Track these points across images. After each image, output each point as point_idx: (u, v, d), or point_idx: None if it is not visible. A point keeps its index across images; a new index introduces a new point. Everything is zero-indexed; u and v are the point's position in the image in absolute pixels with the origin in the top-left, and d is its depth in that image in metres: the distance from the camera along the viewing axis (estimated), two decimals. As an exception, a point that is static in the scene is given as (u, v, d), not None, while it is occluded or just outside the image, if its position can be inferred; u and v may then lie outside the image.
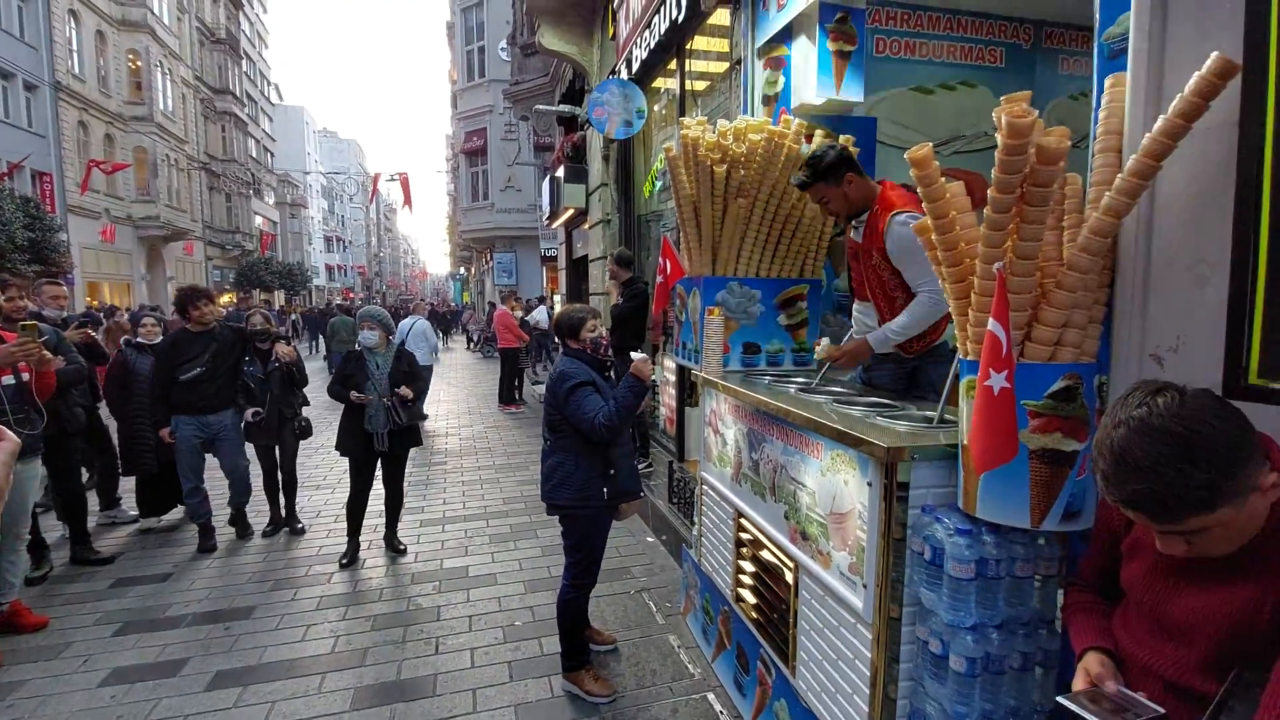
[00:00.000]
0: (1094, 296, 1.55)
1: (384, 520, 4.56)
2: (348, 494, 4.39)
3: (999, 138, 1.43)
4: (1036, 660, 1.62)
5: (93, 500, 4.90)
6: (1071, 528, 1.57)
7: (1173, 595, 1.16)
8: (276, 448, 4.78)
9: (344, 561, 4.26)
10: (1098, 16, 1.68)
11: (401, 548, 4.52)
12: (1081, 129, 1.84)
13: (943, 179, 1.66)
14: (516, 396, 10.83)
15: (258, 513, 4.95)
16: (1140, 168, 1.39)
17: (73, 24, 20.46)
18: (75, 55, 20.48)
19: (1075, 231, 1.57)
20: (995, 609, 1.59)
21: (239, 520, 4.79)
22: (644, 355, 2.75)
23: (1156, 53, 1.50)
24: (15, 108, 18.12)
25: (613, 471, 2.82)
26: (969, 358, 1.63)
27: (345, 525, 4.41)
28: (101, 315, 10.67)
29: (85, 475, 4.88)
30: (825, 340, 2.73)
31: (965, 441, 1.61)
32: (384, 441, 4.25)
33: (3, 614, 3.36)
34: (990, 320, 1.40)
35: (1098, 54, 1.69)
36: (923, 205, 1.70)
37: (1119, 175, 1.44)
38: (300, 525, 4.92)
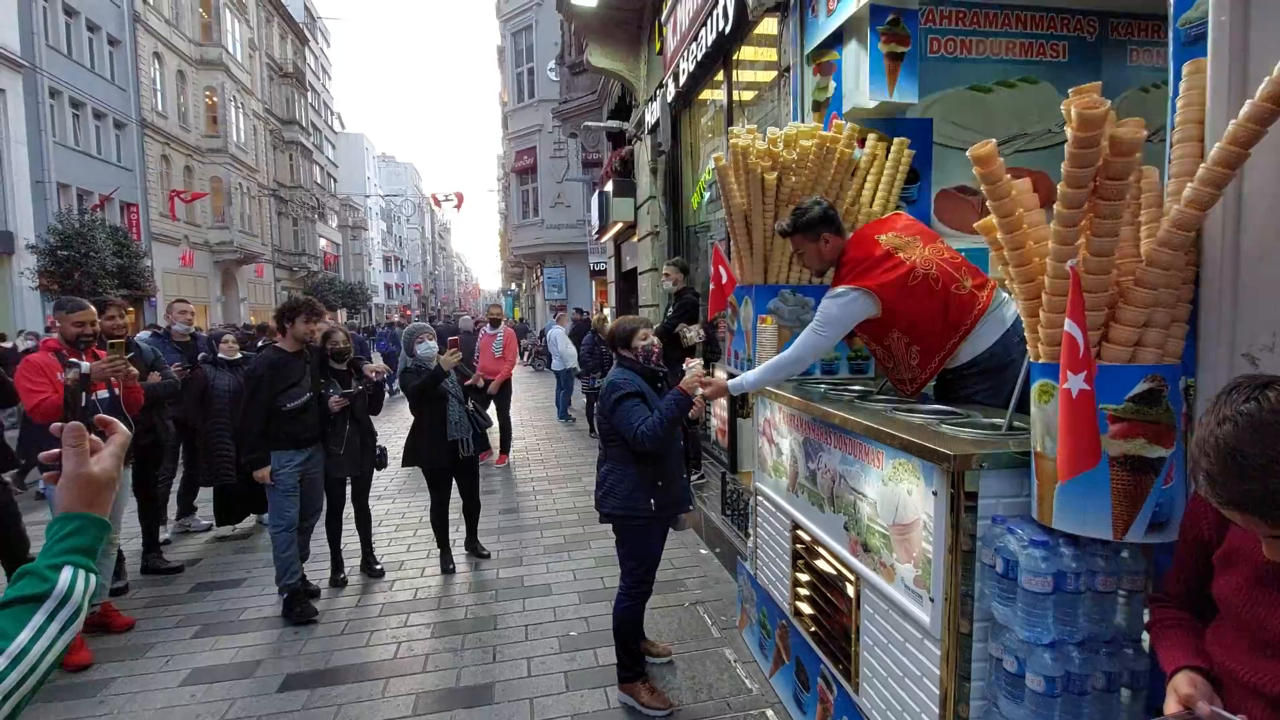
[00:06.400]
0: (1177, 294, 1.46)
1: (464, 528, 4.67)
2: (429, 506, 4.47)
3: (1069, 130, 1.38)
4: (1122, 681, 1.53)
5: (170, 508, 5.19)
6: (1158, 539, 1.47)
7: (1275, 608, 1.08)
8: (350, 480, 4.30)
9: (449, 568, 4.36)
10: (1172, 1, 1.60)
11: (486, 553, 4.64)
12: (1155, 121, 1.75)
13: (1007, 176, 1.60)
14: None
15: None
16: (1226, 156, 1.31)
17: (157, 65, 22.02)
18: (159, 94, 22.03)
19: (1154, 227, 1.49)
20: (1075, 625, 1.50)
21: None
22: (698, 364, 2.73)
23: (1239, 35, 1.41)
24: (106, 144, 19.59)
25: (660, 483, 2.81)
26: (1040, 360, 1.56)
27: (414, 536, 4.53)
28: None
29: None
30: (697, 363, 2.76)
31: (1039, 448, 1.54)
32: (469, 447, 4.34)
33: (94, 614, 3.57)
34: (1066, 320, 1.34)
35: (1173, 40, 1.61)
36: (988, 204, 1.65)
37: (1202, 165, 1.36)
38: (379, 567, 4.40)
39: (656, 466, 2.81)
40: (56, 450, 0.90)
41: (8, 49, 15.42)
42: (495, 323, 7.76)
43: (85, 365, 3.24)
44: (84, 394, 3.12)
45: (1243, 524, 1.03)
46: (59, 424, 0.91)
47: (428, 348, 4.30)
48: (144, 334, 5.23)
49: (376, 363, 4.59)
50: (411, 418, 4.39)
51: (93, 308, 3.52)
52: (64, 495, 0.88)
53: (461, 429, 4.29)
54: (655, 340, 2.93)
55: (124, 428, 0.97)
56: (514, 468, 7.43)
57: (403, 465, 4.49)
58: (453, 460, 4.33)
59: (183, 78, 23.60)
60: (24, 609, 0.79)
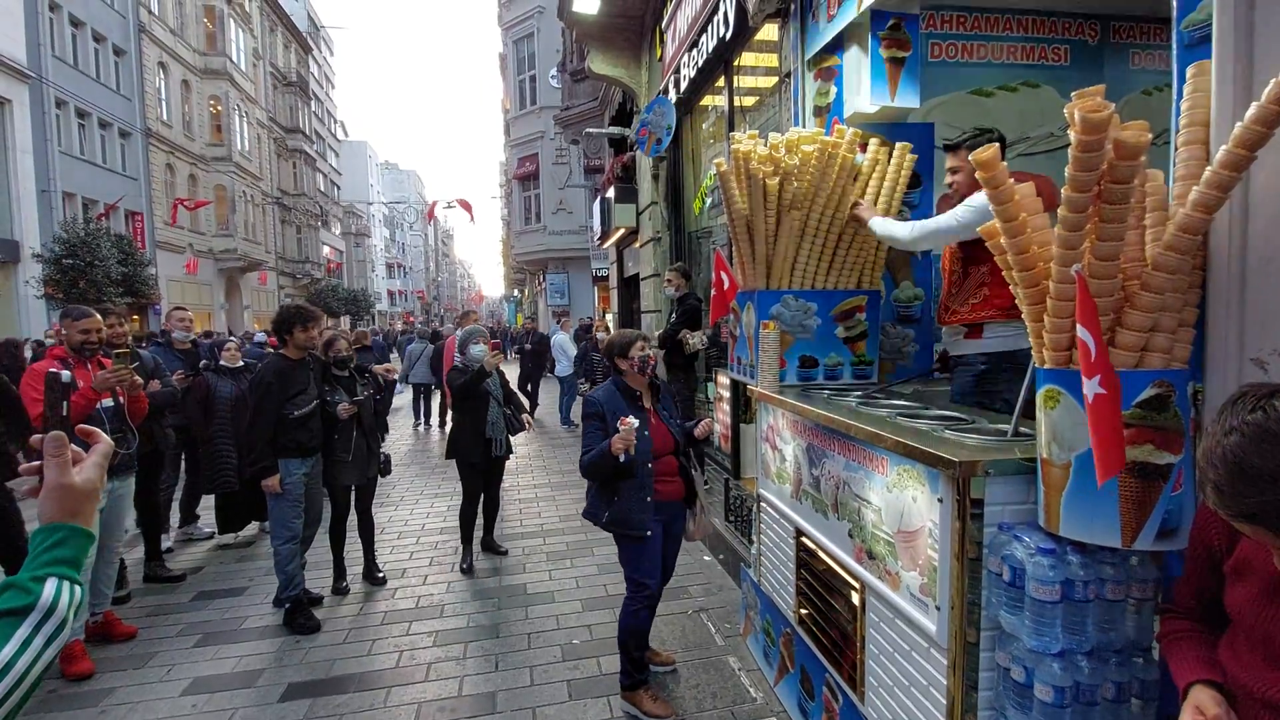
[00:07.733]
0: (1183, 298, 1.45)
1: (482, 526, 4.82)
2: (460, 503, 4.66)
3: (1072, 134, 1.37)
4: (1132, 691, 1.50)
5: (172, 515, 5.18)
6: (1167, 547, 1.46)
7: None
8: (355, 488, 4.25)
9: (464, 568, 4.51)
10: (1175, 4, 1.60)
11: (504, 549, 4.83)
12: (1158, 125, 1.74)
13: (1010, 180, 1.59)
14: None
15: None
16: (1232, 159, 1.30)
17: (162, 75, 22.18)
18: (163, 103, 22.19)
19: (1159, 230, 1.48)
20: (1084, 634, 1.48)
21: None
22: (631, 425, 2.64)
23: (1244, 37, 1.41)
24: (112, 153, 19.73)
25: (616, 499, 2.83)
26: (1045, 366, 1.55)
27: (416, 544, 4.55)
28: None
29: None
30: (632, 424, 2.66)
31: (1045, 454, 1.52)
32: (502, 447, 4.59)
33: (96, 623, 3.57)
34: (1077, 326, 1.33)
35: (1177, 43, 1.60)
36: (991, 208, 1.64)
37: (1207, 168, 1.35)
38: (381, 575, 4.37)
39: (613, 484, 2.84)
40: (38, 463, 0.88)
41: (14, 60, 15.54)
42: None
43: (65, 374, 3.25)
44: (65, 403, 3.12)
45: (1252, 535, 1.01)
46: (38, 436, 0.89)
47: (480, 349, 4.57)
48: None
49: (384, 368, 4.81)
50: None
51: (99, 316, 3.52)
52: (47, 506, 0.86)
53: (497, 429, 4.53)
54: (651, 353, 2.95)
55: (106, 437, 0.95)
56: (517, 474, 7.41)
57: (446, 458, 4.69)
58: (485, 457, 4.54)
59: (187, 87, 23.77)
60: (8, 622, 0.78)
